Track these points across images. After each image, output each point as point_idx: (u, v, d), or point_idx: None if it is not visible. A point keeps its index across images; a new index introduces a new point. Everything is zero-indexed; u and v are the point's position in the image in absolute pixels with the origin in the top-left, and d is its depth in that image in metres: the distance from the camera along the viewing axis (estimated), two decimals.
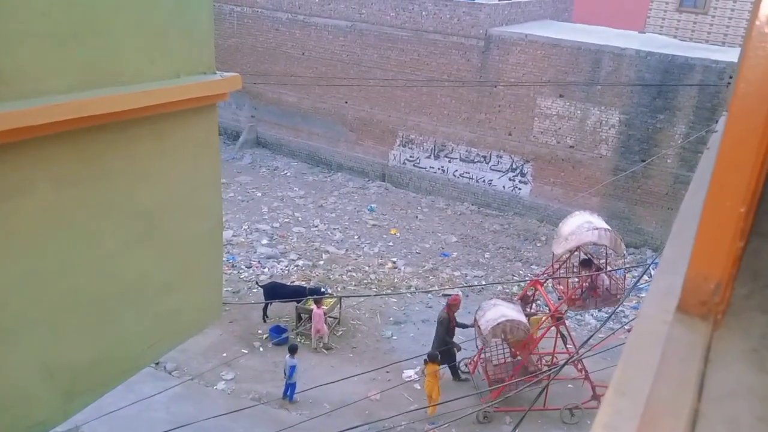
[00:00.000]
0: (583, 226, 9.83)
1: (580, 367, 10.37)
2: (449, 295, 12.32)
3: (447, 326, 10.75)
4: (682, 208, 1.62)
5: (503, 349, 10.73)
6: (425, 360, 10.19)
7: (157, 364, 10.74)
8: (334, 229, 16.64)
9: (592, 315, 13.46)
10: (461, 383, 11.10)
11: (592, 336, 8.18)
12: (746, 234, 1.03)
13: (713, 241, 0.95)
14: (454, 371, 11.05)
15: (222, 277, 4.44)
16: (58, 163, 2.99)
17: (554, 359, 10.90)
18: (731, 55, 15.10)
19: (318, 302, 11.70)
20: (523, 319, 10.25)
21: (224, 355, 11.49)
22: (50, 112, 2.77)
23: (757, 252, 1.42)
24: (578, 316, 13.40)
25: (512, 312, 10.20)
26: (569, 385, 11.05)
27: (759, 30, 0.87)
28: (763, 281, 1.27)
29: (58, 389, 3.33)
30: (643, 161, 15.30)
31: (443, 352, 10.60)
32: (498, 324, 9.83)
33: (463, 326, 11.04)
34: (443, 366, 10.53)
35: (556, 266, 10.85)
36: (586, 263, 10.51)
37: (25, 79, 2.75)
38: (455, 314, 10.95)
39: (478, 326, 10.30)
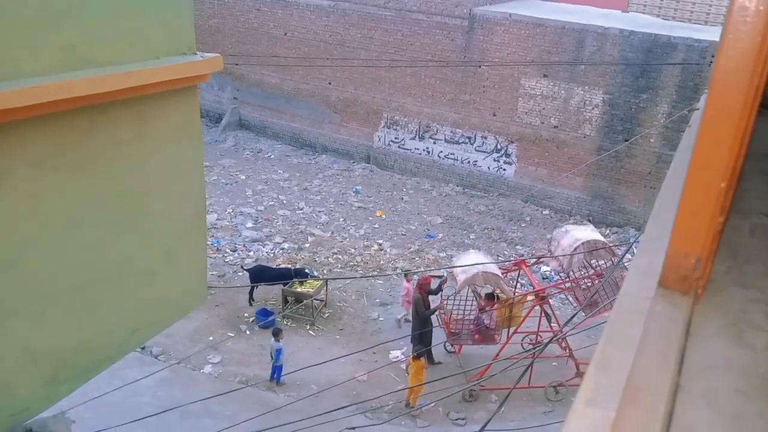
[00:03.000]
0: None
1: (564, 345, 10.50)
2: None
3: (423, 305, 10.78)
4: (664, 186, 1.63)
5: (467, 304, 10.79)
6: (411, 355, 10.20)
7: (142, 348, 10.71)
8: (320, 211, 16.60)
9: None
10: (447, 363, 11.18)
11: (575, 314, 8.27)
12: (726, 210, 1.04)
13: (694, 217, 0.96)
14: (429, 355, 11.06)
15: (206, 261, 4.42)
16: (38, 147, 2.94)
17: (538, 338, 11.02)
18: (714, 34, 15.16)
19: (408, 276, 11.79)
20: (499, 272, 10.36)
21: (210, 338, 11.48)
22: (27, 94, 2.71)
23: (738, 228, 1.43)
24: (562, 295, 13.53)
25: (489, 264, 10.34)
26: (554, 363, 11.19)
27: (740, 4, 0.87)
28: (743, 257, 1.28)
29: (41, 376, 3.30)
30: (627, 141, 15.40)
31: (421, 334, 10.65)
32: (476, 273, 9.94)
33: (436, 292, 11.09)
34: (418, 349, 10.49)
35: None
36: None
37: (1, 62, 2.69)
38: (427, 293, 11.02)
39: (452, 273, 10.40)
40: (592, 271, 10.85)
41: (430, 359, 11.05)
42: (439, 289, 11.07)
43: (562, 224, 12.03)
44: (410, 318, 11.72)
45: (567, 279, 10.92)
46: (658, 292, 1.02)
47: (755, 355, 0.98)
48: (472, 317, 10.69)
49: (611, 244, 10.61)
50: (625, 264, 10.26)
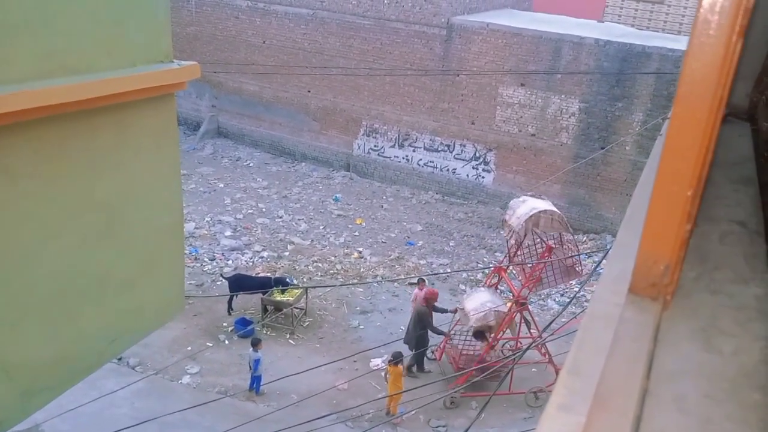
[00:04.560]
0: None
1: (543, 351, 10.57)
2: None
3: (427, 320, 10.78)
4: (636, 193, 1.66)
5: (471, 339, 10.95)
6: (390, 361, 10.20)
7: (119, 359, 10.56)
8: (299, 219, 16.55)
9: (554, 300, 13.72)
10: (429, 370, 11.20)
11: (554, 320, 8.34)
12: (694, 217, 1.06)
13: (662, 225, 0.98)
14: (421, 361, 11.08)
15: (184, 270, 4.38)
16: (13, 155, 2.90)
17: (518, 344, 11.09)
18: (686, 43, 15.47)
19: (420, 283, 11.80)
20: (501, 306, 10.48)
21: (189, 348, 11.36)
22: (3, 102, 2.68)
23: (707, 235, 1.46)
24: (541, 302, 13.64)
25: (495, 299, 10.50)
26: (533, 369, 11.25)
27: (703, 17, 0.89)
28: (711, 263, 1.31)
29: (15, 388, 3.25)
30: (603, 148, 15.60)
31: (417, 338, 10.65)
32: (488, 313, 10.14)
33: (442, 311, 11.14)
34: (407, 356, 10.53)
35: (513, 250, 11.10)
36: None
37: None
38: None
39: (464, 311, 10.49)
40: (543, 246, 10.94)
41: (422, 366, 11.05)
42: (445, 311, 11.10)
43: (520, 195, 12.15)
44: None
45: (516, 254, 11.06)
46: (629, 299, 1.04)
47: (723, 360, 1.00)
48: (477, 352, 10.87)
49: (567, 220, 10.73)
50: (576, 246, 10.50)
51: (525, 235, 10.53)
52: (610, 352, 0.92)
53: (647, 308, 1.03)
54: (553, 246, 10.49)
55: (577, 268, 10.63)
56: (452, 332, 11.00)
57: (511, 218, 10.43)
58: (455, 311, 11.04)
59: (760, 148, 2.08)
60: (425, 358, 11.29)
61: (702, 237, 1.42)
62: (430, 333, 10.90)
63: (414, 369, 11.12)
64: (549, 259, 10.37)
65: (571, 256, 10.54)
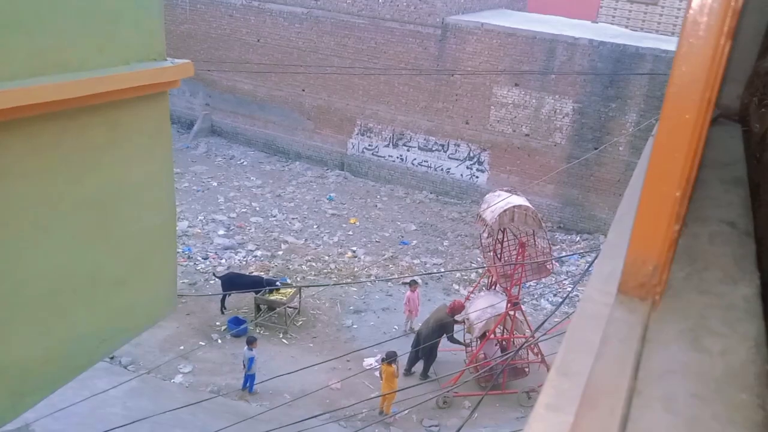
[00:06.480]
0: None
1: (536, 350, 10.59)
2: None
3: (451, 329, 10.77)
4: (626, 193, 1.66)
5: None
6: (383, 360, 10.18)
7: (111, 358, 10.52)
8: (293, 218, 16.53)
9: (547, 300, 13.75)
10: (420, 370, 11.19)
11: (546, 320, 8.36)
12: (682, 218, 1.07)
13: (650, 225, 0.98)
14: (427, 369, 11.04)
15: (176, 269, 4.37)
16: (5, 153, 2.89)
17: (511, 344, 11.11)
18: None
19: (412, 285, 11.91)
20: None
21: (181, 347, 11.32)
22: None
23: (697, 236, 1.47)
24: (534, 302, 13.68)
25: (494, 300, 10.66)
26: (526, 369, 11.27)
27: (692, 19, 0.90)
28: (701, 264, 1.32)
29: (6, 387, 3.23)
30: (596, 149, 15.64)
31: (429, 348, 10.64)
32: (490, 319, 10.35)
33: (456, 322, 11.19)
34: (402, 355, 10.55)
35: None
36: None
37: None
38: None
39: (469, 320, 10.66)
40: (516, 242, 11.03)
41: (426, 373, 11.00)
42: (457, 322, 11.13)
43: (495, 189, 12.27)
44: (414, 327, 11.73)
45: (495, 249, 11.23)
46: (618, 299, 1.04)
47: (711, 360, 1.00)
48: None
49: (541, 215, 10.91)
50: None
51: (500, 230, 10.64)
52: (599, 352, 0.92)
53: (636, 308, 1.04)
54: (525, 242, 10.55)
55: (548, 266, 10.74)
56: (470, 341, 11.14)
57: (485, 212, 10.51)
58: (464, 321, 11.12)
59: (750, 149, 2.09)
60: (430, 366, 11.22)
61: (691, 237, 1.42)
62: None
63: (414, 371, 11.15)
64: (525, 260, 10.46)
65: (554, 259, 10.67)
